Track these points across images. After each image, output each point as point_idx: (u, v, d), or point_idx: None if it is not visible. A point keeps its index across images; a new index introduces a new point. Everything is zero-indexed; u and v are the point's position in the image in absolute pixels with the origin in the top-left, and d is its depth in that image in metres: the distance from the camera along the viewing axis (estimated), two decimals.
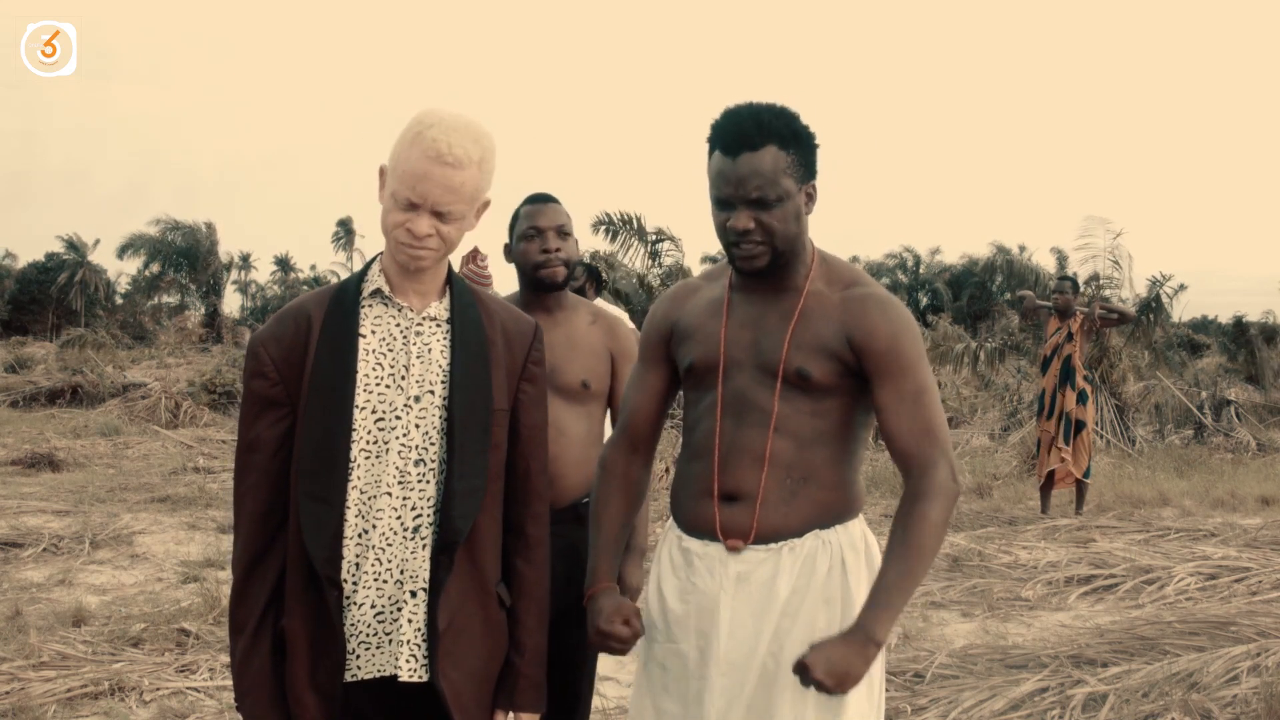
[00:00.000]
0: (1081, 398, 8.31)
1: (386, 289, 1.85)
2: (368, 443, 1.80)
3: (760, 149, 1.90)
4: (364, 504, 1.80)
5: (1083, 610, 5.68)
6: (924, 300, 44.68)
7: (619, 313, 6.89)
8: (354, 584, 1.80)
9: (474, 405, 1.83)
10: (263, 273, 53.66)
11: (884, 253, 48.58)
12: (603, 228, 15.45)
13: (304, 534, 1.77)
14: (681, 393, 2.18)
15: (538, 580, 1.94)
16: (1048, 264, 30.00)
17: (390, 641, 1.82)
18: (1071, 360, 8.36)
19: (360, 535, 1.80)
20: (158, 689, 4.18)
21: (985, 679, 4.33)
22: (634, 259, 15.75)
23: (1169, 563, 6.43)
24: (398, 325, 1.85)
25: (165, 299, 44.56)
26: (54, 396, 16.09)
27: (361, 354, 1.82)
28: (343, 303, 1.84)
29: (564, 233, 2.68)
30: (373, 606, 1.81)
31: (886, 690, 3.66)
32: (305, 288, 47.16)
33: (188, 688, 4.22)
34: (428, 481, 1.82)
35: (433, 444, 1.82)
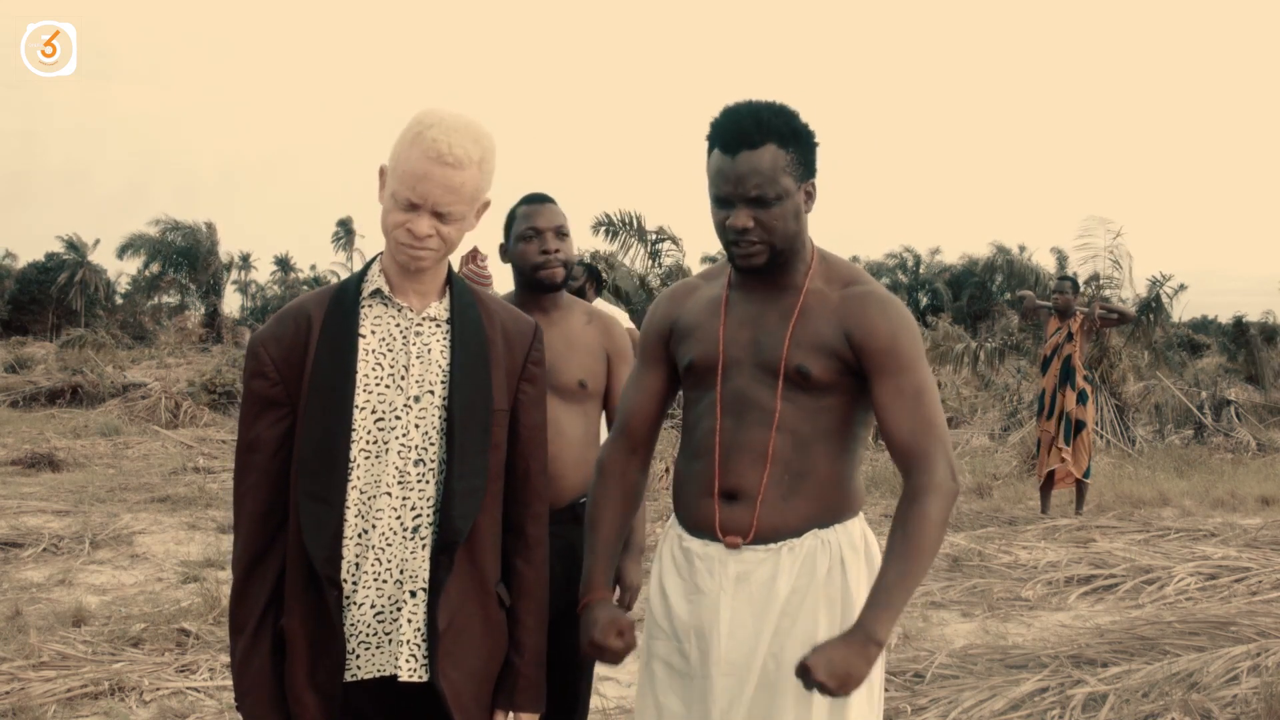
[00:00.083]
0: (1081, 398, 8.31)
1: (386, 289, 1.84)
2: (367, 443, 1.80)
3: (759, 147, 1.90)
4: (364, 504, 1.80)
5: (1083, 610, 5.68)
6: (924, 300, 44.68)
7: (618, 312, 6.90)
8: (354, 584, 1.80)
9: (474, 405, 1.83)
10: (263, 273, 53.72)
11: (884, 253, 48.63)
12: (603, 228, 15.46)
13: (304, 534, 1.77)
14: (681, 392, 2.18)
15: (537, 580, 1.94)
16: (1048, 264, 30.00)
17: (390, 641, 1.82)
18: (1071, 360, 8.36)
19: (360, 535, 1.80)
20: (158, 689, 4.18)
21: (985, 679, 4.33)
22: (634, 259, 15.76)
23: (1169, 563, 6.43)
24: (398, 325, 1.85)
25: (165, 299, 44.57)
26: (54, 396, 16.08)
27: (361, 354, 1.82)
28: (343, 303, 1.84)
29: (562, 233, 2.68)
30: (372, 606, 1.81)
31: (886, 690, 3.66)
32: (305, 288, 47.17)
33: (188, 688, 4.22)
34: (427, 481, 1.82)
35: (432, 444, 1.82)
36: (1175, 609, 5.57)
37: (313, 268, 53.07)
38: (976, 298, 40.92)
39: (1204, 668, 4.29)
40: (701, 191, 2.01)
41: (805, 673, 1.78)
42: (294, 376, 1.81)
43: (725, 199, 1.95)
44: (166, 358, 23.61)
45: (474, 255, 2.90)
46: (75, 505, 8.15)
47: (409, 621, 1.80)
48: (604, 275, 10.12)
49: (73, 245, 43.19)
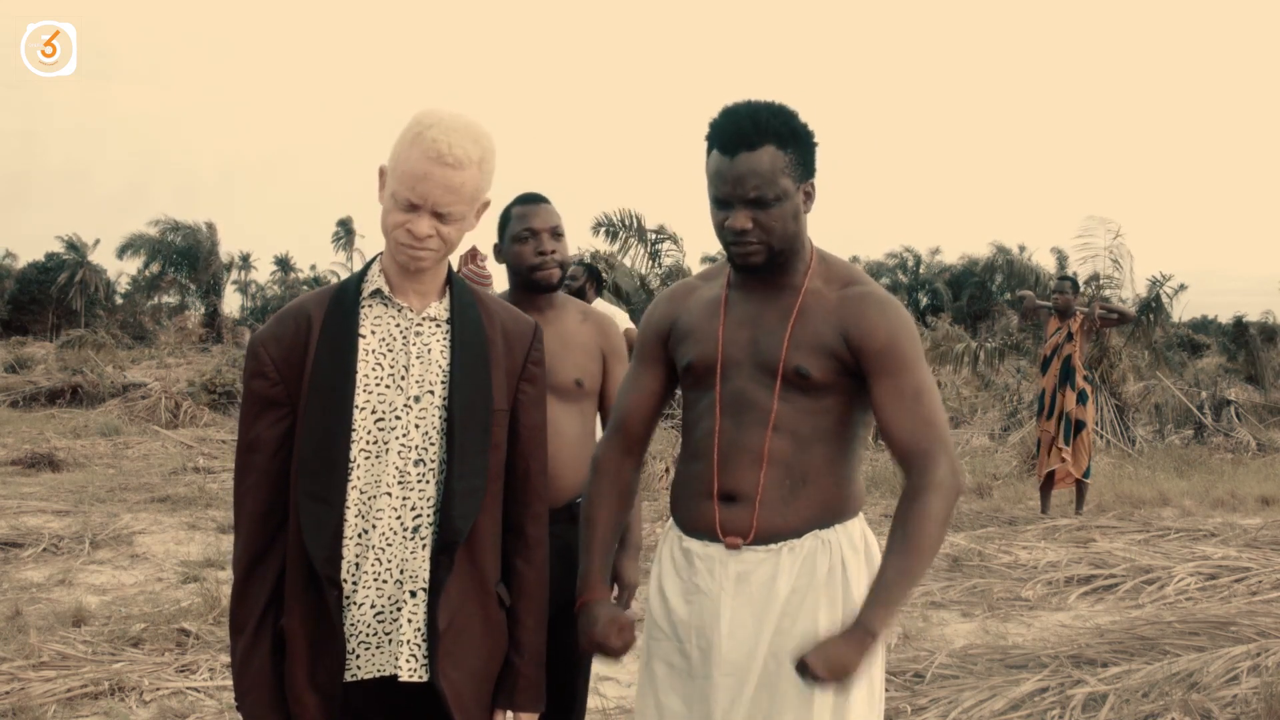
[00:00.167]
0: (1081, 398, 8.31)
1: (386, 289, 1.85)
2: (368, 443, 1.80)
3: (758, 148, 1.90)
4: (364, 504, 1.80)
5: (1083, 610, 5.68)
6: (924, 300, 44.70)
7: (618, 312, 6.90)
8: (354, 584, 1.80)
9: (474, 405, 1.83)
10: (263, 273, 53.76)
11: (884, 252, 48.65)
12: (603, 229, 15.46)
13: (304, 534, 1.77)
14: (680, 393, 2.18)
15: (537, 580, 1.94)
16: (1048, 264, 30.05)
17: (390, 641, 1.82)
18: (1071, 360, 8.36)
19: (360, 535, 1.80)
20: (158, 689, 4.18)
21: (985, 679, 4.33)
22: (634, 259, 15.76)
23: (1169, 563, 6.43)
24: (398, 325, 1.85)
25: (165, 299, 44.59)
26: (54, 396, 16.08)
27: (361, 354, 1.82)
28: (343, 303, 1.84)
29: (557, 233, 2.68)
30: (372, 606, 1.81)
31: (886, 690, 3.66)
32: (305, 288, 47.18)
33: (188, 688, 4.22)
34: (427, 481, 1.82)
35: (432, 444, 1.82)
36: (1175, 609, 5.57)
37: (313, 268, 53.13)
38: (976, 298, 40.95)
39: (1204, 668, 4.29)
40: (701, 191, 2.01)
41: (804, 668, 1.78)
42: (294, 376, 1.81)
43: (724, 200, 1.94)
44: (166, 358, 23.61)
45: (473, 255, 2.89)
46: (75, 505, 8.15)
47: (409, 621, 1.80)
48: (604, 275, 10.11)
49: (73, 245, 43.22)
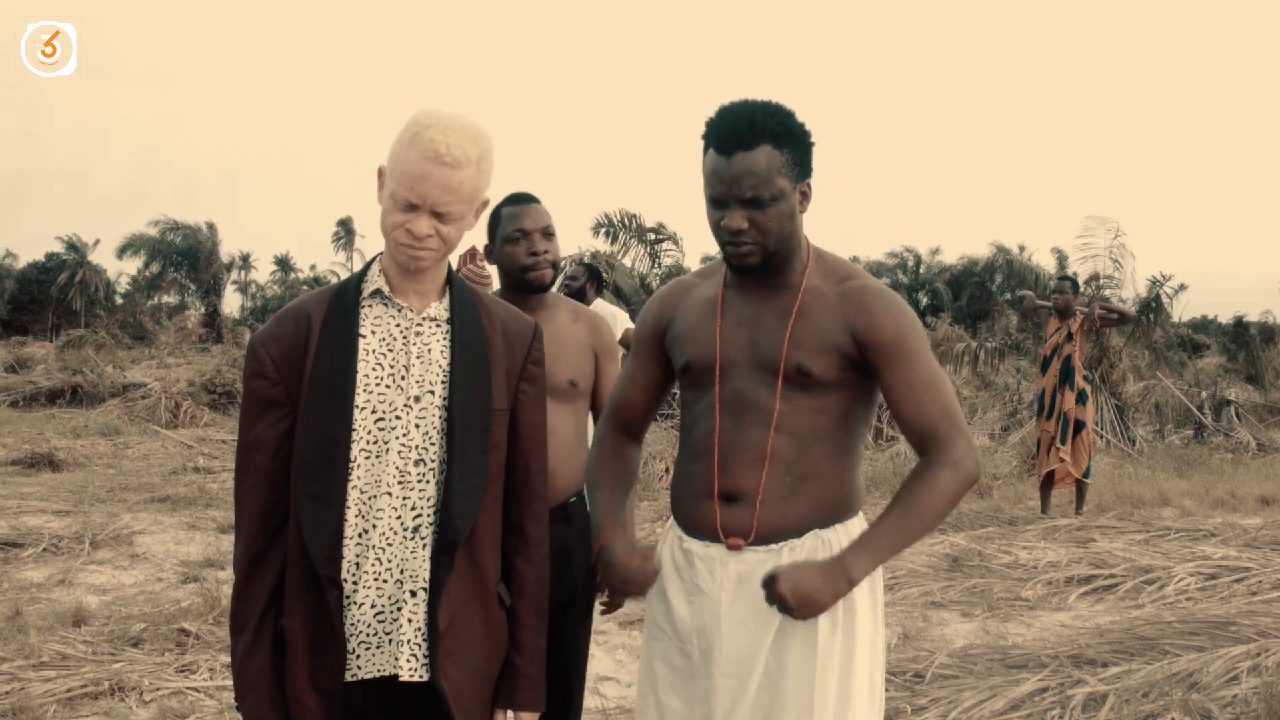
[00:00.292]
0: (1081, 398, 8.31)
1: (386, 289, 1.85)
2: (368, 443, 1.80)
3: (755, 148, 1.90)
4: (364, 504, 1.80)
5: (1083, 610, 5.68)
6: (924, 300, 44.72)
7: (619, 312, 6.90)
8: (354, 584, 1.80)
9: (474, 405, 1.83)
10: (263, 273, 53.80)
11: (884, 252, 48.68)
12: (603, 229, 15.47)
13: (304, 533, 1.77)
14: (678, 393, 2.18)
15: (537, 580, 1.94)
16: (1048, 264, 30.04)
17: (390, 641, 1.82)
18: (1071, 360, 8.36)
19: (360, 535, 1.80)
20: (158, 689, 4.18)
21: (985, 679, 4.32)
22: (634, 260, 15.77)
23: (1169, 563, 6.43)
24: (398, 325, 1.85)
25: (165, 299, 44.60)
26: (54, 396, 16.09)
27: (361, 354, 1.82)
28: (343, 303, 1.84)
29: (549, 233, 2.67)
30: (373, 606, 1.81)
31: (886, 690, 3.66)
32: (305, 288, 47.21)
33: (188, 688, 4.21)
34: (428, 481, 1.82)
35: (433, 444, 1.82)
36: (1175, 609, 5.57)
37: (313, 268, 53.17)
38: (976, 298, 40.97)
39: (1204, 668, 4.29)
40: (700, 191, 2.01)
41: (771, 583, 1.79)
42: (294, 376, 1.81)
43: (720, 200, 1.94)
44: (166, 358, 23.61)
45: (473, 255, 2.89)
46: (75, 505, 8.15)
47: (409, 621, 1.80)
48: (604, 276, 10.11)
49: (73, 245, 43.24)
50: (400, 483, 1.81)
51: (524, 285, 2.66)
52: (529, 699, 1.91)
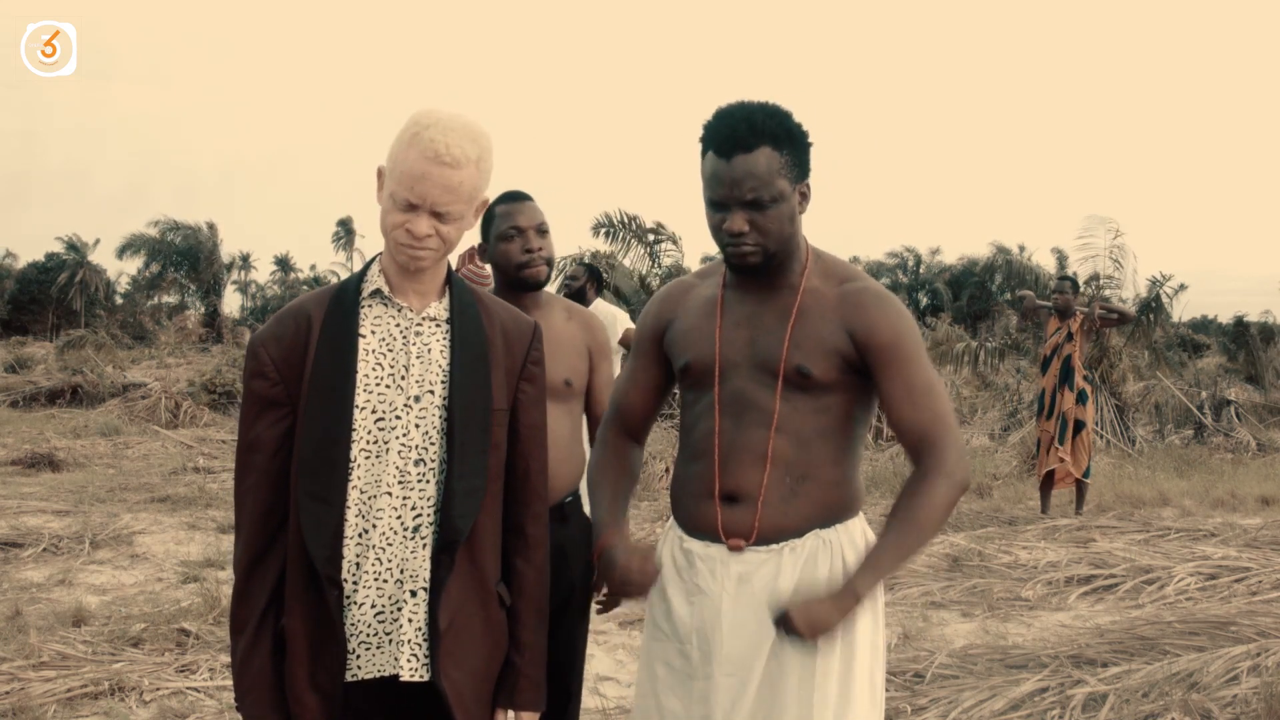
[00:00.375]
0: (1081, 398, 8.31)
1: (386, 289, 1.85)
2: (368, 443, 1.80)
3: (754, 150, 1.90)
4: (364, 504, 1.80)
5: (1083, 610, 5.68)
6: (924, 300, 44.71)
7: (619, 313, 6.90)
8: (354, 583, 1.80)
9: (474, 405, 1.83)
10: (263, 273, 53.81)
11: (884, 252, 48.69)
12: (602, 230, 15.47)
13: (304, 533, 1.77)
14: (678, 394, 2.18)
15: (537, 580, 1.94)
16: (1048, 264, 30.05)
17: (391, 641, 1.82)
18: (1071, 360, 8.36)
19: (360, 535, 1.80)
20: (158, 689, 4.18)
21: (985, 679, 4.32)
22: (634, 260, 15.77)
23: (1169, 563, 6.43)
24: (397, 325, 1.85)
25: (165, 299, 44.60)
26: (54, 396, 16.09)
27: (361, 354, 1.82)
28: (342, 303, 1.84)
29: (543, 230, 2.67)
30: (373, 606, 1.81)
31: (886, 690, 3.66)
32: (305, 288, 47.22)
33: (188, 688, 4.21)
34: (428, 481, 1.82)
35: (433, 444, 1.82)
36: (1175, 609, 5.57)
37: (313, 268, 53.19)
38: (976, 298, 40.97)
39: (1204, 668, 4.29)
40: (700, 192, 2.00)
41: (785, 623, 1.80)
42: (294, 376, 1.81)
43: (720, 202, 1.95)
44: (166, 358, 23.61)
45: (472, 255, 2.89)
46: (75, 505, 8.15)
47: (410, 621, 1.80)
48: (604, 276, 10.10)
49: (73, 245, 43.25)
50: (400, 482, 1.81)
51: (519, 283, 2.65)
52: (529, 699, 1.91)
